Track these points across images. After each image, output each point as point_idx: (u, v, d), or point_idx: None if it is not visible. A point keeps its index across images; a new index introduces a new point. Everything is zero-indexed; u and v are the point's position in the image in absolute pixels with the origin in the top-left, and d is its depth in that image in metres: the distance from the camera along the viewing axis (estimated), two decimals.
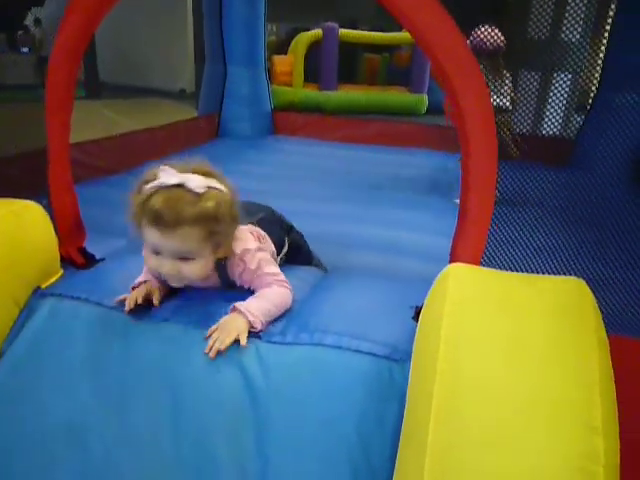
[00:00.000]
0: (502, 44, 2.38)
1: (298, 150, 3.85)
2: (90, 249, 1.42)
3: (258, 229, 1.26)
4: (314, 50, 7.19)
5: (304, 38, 7.24)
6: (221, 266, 1.13)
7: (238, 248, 1.12)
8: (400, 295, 1.23)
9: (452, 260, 1.01)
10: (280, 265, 1.26)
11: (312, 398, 0.97)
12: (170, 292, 1.16)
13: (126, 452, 1.00)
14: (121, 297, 1.13)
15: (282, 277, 1.15)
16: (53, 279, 1.26)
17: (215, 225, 1.01)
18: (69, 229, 1.29)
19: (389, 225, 2.26)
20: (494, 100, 2.63)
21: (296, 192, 2.68)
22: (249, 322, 1.03)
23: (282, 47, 7.95)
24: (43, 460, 1.02)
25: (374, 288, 1.29)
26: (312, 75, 7.28)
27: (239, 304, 1.06)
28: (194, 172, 1.03)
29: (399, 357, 1.00)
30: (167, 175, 0.99)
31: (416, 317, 1.10)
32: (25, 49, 11.24)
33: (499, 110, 2.65)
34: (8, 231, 1.15)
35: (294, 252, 1.42)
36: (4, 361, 1.13)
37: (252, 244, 1.15)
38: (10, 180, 2.07)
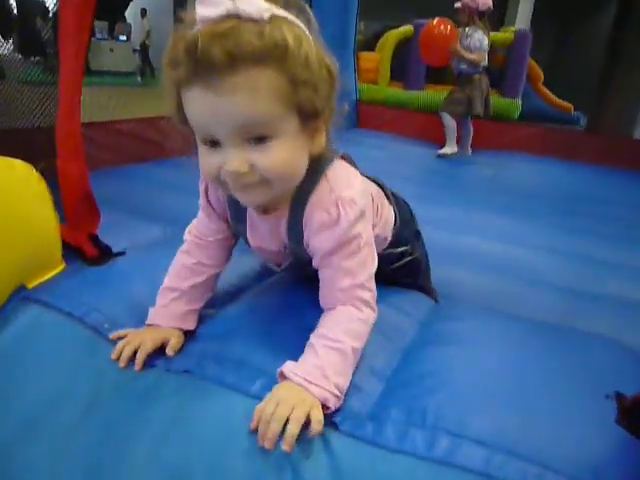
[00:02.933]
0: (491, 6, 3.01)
1: (382, 144, 3.38)
2: (114, 236, 1.04)
3: (383, 197, 0.89)
4: (402, 48, 6.82)
5: (393, 35, 6.98)
6: (298, 200, 0.70)
7: (337, 187, 0.69)
8: (563, 356, 0.73)
9: None
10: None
11: None
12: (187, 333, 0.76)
13: None
14: (122, 333, 0.74)
15: (373, 293, 0.70)
16: (47, 276, 0.88)
17: (301, 70, 0.58)
18: (76, 206, 0.91)
19: (494, 236, 1.73)
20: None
21: None
22: (321, 397, 0.59)
23: (369, 47, 7.72)
24: None
25: (514, 339, 0.79)
26: (398, 73, 6.95)
27: (294, 367, 0.61)
28: None
29: None
30: (208, 5, 0.55)
31: (623, 417, 0.60)
32: (123, 37, 11.64)
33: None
34: None
35: (407, 270, 0.96)
36: None
37: (362, 200, 0.70)
38: None
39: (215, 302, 0.84)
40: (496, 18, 9.47)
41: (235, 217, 0.78)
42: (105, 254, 0.95)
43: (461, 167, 2.95)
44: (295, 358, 0.64)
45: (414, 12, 8.16)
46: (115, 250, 0.98)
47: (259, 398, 0.60)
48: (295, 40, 0.57)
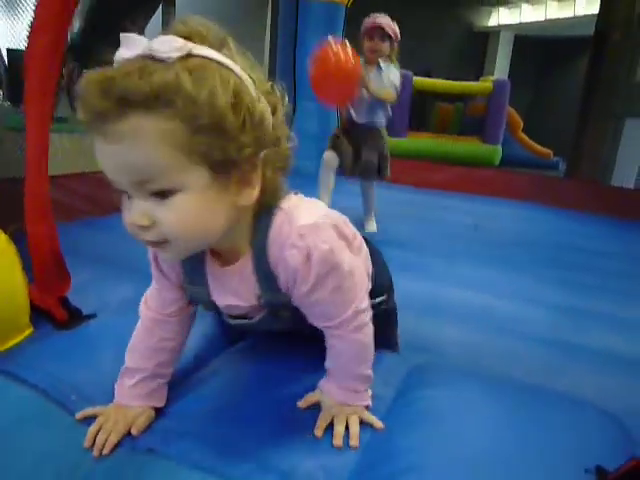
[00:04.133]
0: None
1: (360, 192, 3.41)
2: (87, 295, 1.02)
3: (351, 226, 0.78)
4: None
5: None
6: (257, 242, 0.64)
7: (296, 218, 0.62)
8: (548, 429, 0.70)
9: None
10: None
11: None
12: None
13: None
14: (89, 412, 0.71)
15: (369, 309, 0.71)
16: (13, 341, 0.86)
17: (203, 115, 0.51)
18: (45, 269, 0.89)
19: (476, 287, 1.71)
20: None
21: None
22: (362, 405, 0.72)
23: None
24: None
25: (495, 409, 0.76)
26: None
27: (333, 390, 0.71)
28: (179, 34, 0.53)
29: None
30: (127, 46, 0.52)
31: None
32: None
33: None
34: None
35: (379, 322, 0.78)
36: None
37: (327, 219, 0.65)
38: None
39: (175, 373, 0.80)
40: (475, 68, 9.86)
41: (191, 280, 0.71)
42: (75, 317, 0.93)
43: (441, 215, 2.97)
44: (263, 432, 0.65)
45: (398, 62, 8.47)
46: (86, 311, 0.96)
47: (225, 476, 0.59)
48: (196, 82, 0.51)
